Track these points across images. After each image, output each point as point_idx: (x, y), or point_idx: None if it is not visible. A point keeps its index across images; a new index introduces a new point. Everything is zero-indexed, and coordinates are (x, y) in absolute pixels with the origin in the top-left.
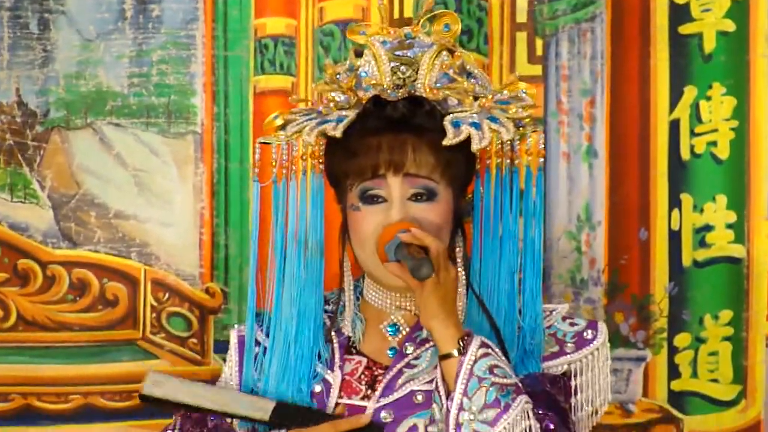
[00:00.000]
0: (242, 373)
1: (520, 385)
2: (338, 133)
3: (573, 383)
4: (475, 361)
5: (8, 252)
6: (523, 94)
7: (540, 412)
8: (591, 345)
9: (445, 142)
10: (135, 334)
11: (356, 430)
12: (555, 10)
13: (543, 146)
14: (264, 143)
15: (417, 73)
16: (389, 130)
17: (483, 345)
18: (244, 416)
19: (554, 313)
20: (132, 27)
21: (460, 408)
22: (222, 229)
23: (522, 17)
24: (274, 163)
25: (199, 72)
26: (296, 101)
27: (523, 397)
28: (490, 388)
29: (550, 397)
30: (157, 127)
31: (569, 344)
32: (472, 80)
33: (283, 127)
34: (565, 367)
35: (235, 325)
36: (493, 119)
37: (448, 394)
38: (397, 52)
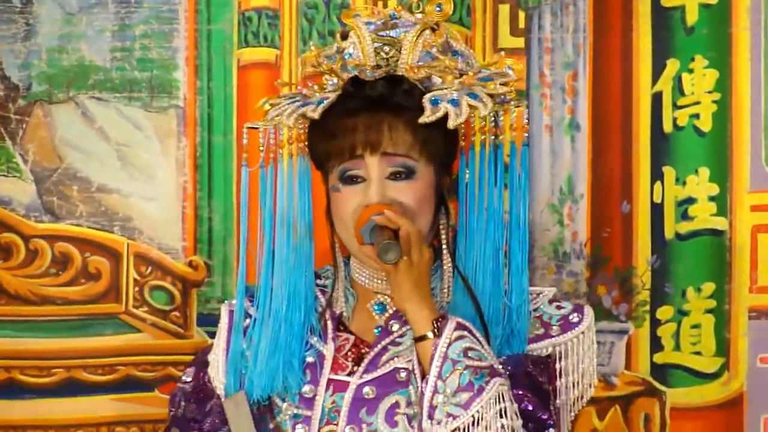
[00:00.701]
0: (229, 344)
1: (496, 367)
2: (316, 115)
3: (558, 366)
4: (450, 344)
5: None
6: (508, 70)
7: (519, 393)
8: (576, 328)
9: (421, 119)
10: (118, 307)
11: None
12: None
13: (527, 121)
14: (251, 128)
15: (400, 52)
16: (366, 110)
17: (458, 327)
18: None
19: (541, 296)
20: (114, 1)
21: (435, 390)
22: (205, 203)
23: None
24: (261, 148)
25: (182, 46)
26: (281, 85)
27: (498, 380)
28: (464, 371)
29: (532, 378)
30: (140, 102)
31: (555, 327)
32: (457, 57)
33: (272, 107)
34: (550, 349)
35: (226, 300)
36: (473, 95)
37: (423, 376)
38: (380, 33)
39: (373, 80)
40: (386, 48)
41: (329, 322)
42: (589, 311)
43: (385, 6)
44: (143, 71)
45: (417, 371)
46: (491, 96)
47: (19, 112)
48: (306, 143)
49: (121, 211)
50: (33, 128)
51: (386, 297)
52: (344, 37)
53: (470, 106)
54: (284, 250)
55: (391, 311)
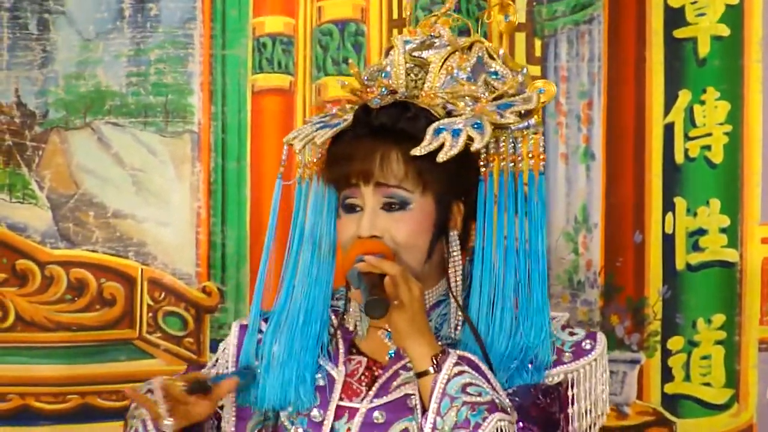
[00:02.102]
0: (239, 358)
1: (497, 401)
2: (318, 142)
3: (570, 393)
4: (449, 380)
5: (7, 252)
6: (533, 95)
7: (522, 425)
8: (589, 355)
9: (412, 152)
10: (132, 333)
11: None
12: (554, 11)
13: (543, 149)
14: (290, 144)
15: (427, 74)
16: (368, 137)
17: (459, 362)
18: None
19: (554, 321)
20: (130, 26)
21: (433, 427)
22: (219, 228)
23: (521, 18)
24: (299, 164)
25: (197, 71)
26: (320, 104)
27: (497, 415)
28: (462, 408)
29: (541, 409)
30: (155, 127)
31: (567, 354)
32: (496, 78)
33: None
34: (562, 376)
35: (237, 320)
36: (477, 125)
37: (424, 411)
38: (415, 53)
39: (379, 107)
40: (416, 70)
41: (341, 344)
42: (602, 338)
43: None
44: (158, 96)
45: (419, 406)
46: (499, 125)
47: (36, 139)
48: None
49: (136, 237)
50: (49, 155)
51: None
52: (388, 52)
53: (469, 136)
54: (308, 262)
55: None
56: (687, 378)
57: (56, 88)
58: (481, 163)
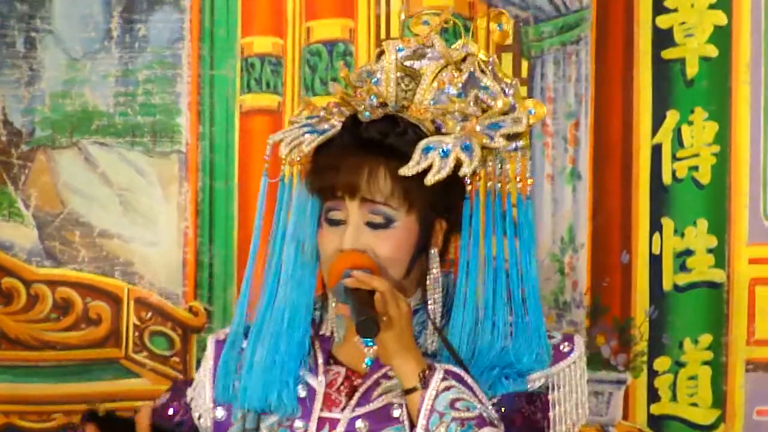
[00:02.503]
0: (216, 373)
1: (485, 415)
2: (305, 150)
3: (550, 397)
4: (437, 396)
5: None
6: (523, 116)
7: None
8: (568, 358)
9: (401, 171)
10: (118, 352)
11: None
12: (541, 32)
13: (530, 173)
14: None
15: (418, 86)
16: (355, 150)
17: (446, 377)
18: None
19: None
20: (118, 46)
21: None
22: (206, 248)
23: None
24: (283, 162)
25: (185, 91)
26: (307, 103)
27: (486, 430)
28: (451, 423)
29: (526, 417)
30: (142, 147)
31: (545, 352)
32: (486, 93)
33: (290, 125)
34: (543, 380)
35: (212, 335)
36: (466, 147)
37: (412, 427)
38: (407, 63)
39: (369, 120)
40: (407, 80)
41: (319, 354)
42: (579, 340)
43: None
44: (146, 116)
45: (406, 423)
46: (488, 148)
47: (22, 157)
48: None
49: (123, 256)
50: (36, 173)
51: None
52: (379, 56)
53: (458, 158)
54: (292, 264)
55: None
56: (674, 398)
57: (43, 107)
58: (467, 182)
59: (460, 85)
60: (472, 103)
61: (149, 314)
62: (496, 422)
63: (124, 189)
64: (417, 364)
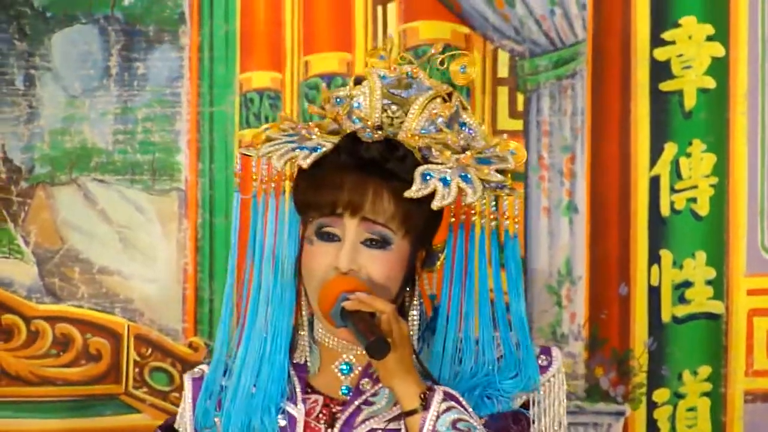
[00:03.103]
0: (195, 411)
1: None
2: (305, 165)
3: (531, 413)
4: (438, 417)
5: None
6: (508, 155)
7: None
8: (547, 372)
9: (407, 193)
10: (118, 388)
11: None
12: (536, 66)
13: (517, 212)
14: (245, 155)
15: (406, 115)
16: (356, 170)
17: (446, 398)
18: None
19: None
20: (117, 84)
21: None
22: (206, 284)
23: (504, 72)
24: (254, 177)
25: (184, 129)
26: (285, 119)
27: None
28: None
29: None
30: (142, 184)
31: (533, 378)
32: (465, 130)
33: (267, 140)
34: (524, 397)
35: (188, 372)
36: (465, 177)
37: None
38: (392, 90)
39: (370, 141)
40: (393, 107)
41: (296, 381)
42: (557, 352)
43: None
44: (145, 154)
45: None
46: (483, 181)
47: (22, 194)
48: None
49: (122, 293)
50: (35, 210)
51: (351, 357)
52: (358, 83)
53: (460, 188)
54: (271, 285)
55: (357, 371)
56: (673, 430)
57: (42, 144)
58: (452, 216)
59: (448, 116)
60: (470, 136)
61: (149, 350)
62: None
63: (124, 226)
64: (417, 386)
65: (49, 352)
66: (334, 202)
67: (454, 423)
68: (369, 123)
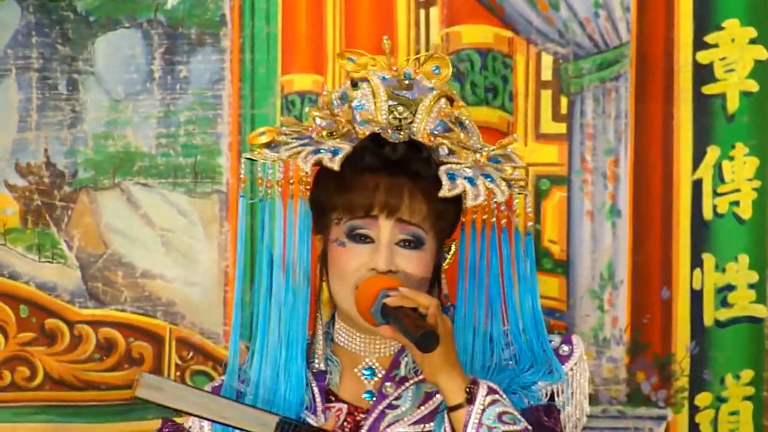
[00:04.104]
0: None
1: (529, 428)
2: (336, 167)
3: (557, 402)
4: (484, 410)
5: (36, 311)
6: (512, 153)
7: None
8: (569, 361)
9: (441, 193)
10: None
11: None
12: (580, 69)
13: (530, 210)
14: (250, 159)
15: (414, 116)
16: (386, 171)
17: (490, 392)
18: (248, 430)
19: None
20: (160, 87)
21: None
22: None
23: (547, 75)
24: (261, 181)
25: (225, 132)
26: (289, 124)
27: None
28: None
29: (547, 428)
30: (184, 187)
31: (557, 370)
32: (466, 132)
33: (268, 145)
34: (549, 389)
35: (210, 383)
36: (488, 176)
37: None
38: (396, 91)
39: (394, 142)
40: (400, 108)
41: (316, 391)
42: (577, 340)
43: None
44: (187, 157)
45: None
46: (505, 180)
47: (65, 198)
48: (308, 186)
49: (164, 296)
50: (78, 215)
51: (374, 360)
52: (354, 85)
53: (487, 188)
54: (283, 293)
55: (380, 374)
56: None
57: (85, 148)
58: (471, 215)
59: (455, 117)
60: (473, 137)
61: (191, 354)
62: None
63: (166, 229)
64: (462, 380)
65: (92, 357)
66: (370, 204)
67: (500, 416)
68: (381, 123)
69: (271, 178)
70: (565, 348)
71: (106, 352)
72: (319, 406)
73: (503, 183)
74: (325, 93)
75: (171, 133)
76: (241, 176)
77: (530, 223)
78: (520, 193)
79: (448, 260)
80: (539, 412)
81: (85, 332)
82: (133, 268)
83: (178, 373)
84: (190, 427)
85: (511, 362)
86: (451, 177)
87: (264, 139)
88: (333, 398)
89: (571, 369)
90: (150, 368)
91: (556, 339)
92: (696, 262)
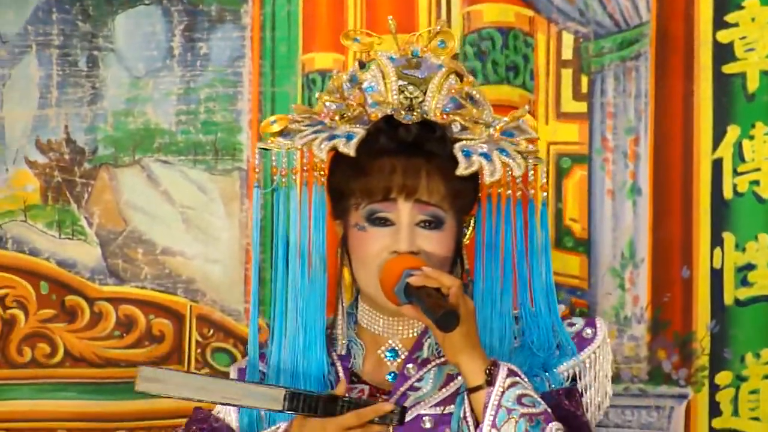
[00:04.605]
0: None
1: (549, 411)
2: (352, 152)
3: (579, 385)
4: (503, 392)
5: (56, 288)
6: (524, 125)
7: None
8: (592, 344)
9: (458, 171)
10: (180, 369)
11: (380, 417)
12: (601, 48)
13: (545, 180)
14: (264, 149)
15: (425, 94)
16: (402, 152)
17: (510, 374)
18: (256, 407)
19: None
20: (180, 64)
21: None
22: (268, 264)
23: (568, 54)
24: (275, 170)
25: (246, 109)
26: (301, 111)
27: (554, 425)
28: (519, 420)
29: (570, 414)
30: (204, 164)
31: (569, 347)
32: (477, 107)
33: (281, 133)
34: (571, 372)
35: (234, 363)
36: (503, 151)
37: (477, 425)
38: (405, 71)
39: (407, 123)
40: (410, 87)
41: (341, 371)
42: (601, 323)
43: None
44: (207, 134)
45: (470, 420)
46: (520, 153)
47: (85, 175)
48: (323, 173)
49: (185, 274)
50: (98, 191)
51: (397, 342)
52: (362, 66)
53: (503, 163)
54: (299, 281)
55: (403, 356)
56: (735, 413)
57: (105, 125)
58: (488, 190)
59: (466, 92)
60: (485, 111)
61: (211, 331)
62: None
63: (187, 206)
64: (483, 362)
65: (112, 334)
66: (388, 187)
67: (519, 398)
68: (392, 104)
69: (286, 167)
70: (588, 331)
71: (126, 330)
72: (343, 385)
73: (518, 156)
74: (334, 76)
75: (191, 110)
76: (256, 165)
77: (544, 194)
78: (535, 165)
79: (468, 235)
80: (560, 396)
81: (105, 309)
82: (153, 245)
83: (198, 351)
84: (218, 412)
85: (533, 341)
86: (467, 154)
87: (276, 128)
88: (356, 379)
89: (594, 352)
90: (171, 345)
91: (580, 321)
92: (716, 241)
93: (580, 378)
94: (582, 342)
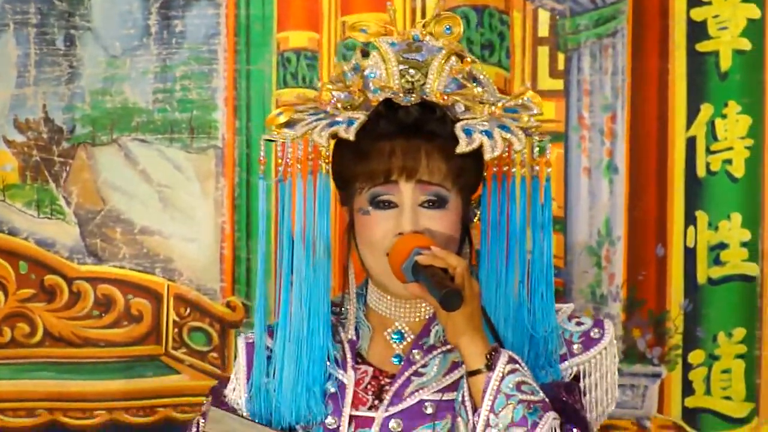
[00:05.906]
0: (250, 377)
1: (547, 400)
2: (351, 136)
3: (582, 384)
4: (503, 378)
5: (35, 268)
6: (529, 102)
7: (568, 426)
8: (599, 344)
9: (459, 150)
10: (158, 349)
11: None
12: (577, 25)
13: (549, 156)
14: (269, 140)
15: (426, 77)
16: (402, 135)
17: (511, 360)
18: None
19: (560, 312)
20: (156, 43)
21: (487, 424)
22: (243, 243)
23: (544, 31)
24: (279, 161)
25: (221, 86)
26: (303, 100)
27: (551, 414)
28: (518, 406)
29: (568, 406)
30: (181, 143)
31: (576, 345)
32: (480, 87)
33: (287, 124)
34: (575, 369)
35: (242, 333)
36: (504, 128)
37: (475, 409)
38: (405, 55)
39: (407, 105)
40: (411, 71)
41: (347, 349)
42: (609, 325)
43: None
44: (183, 112)
45: (468, 404)
46: (522, 129)
47: (63, 154)
48: (327, 161)
49: (162, 253)
50: (76, 171)
51: (404, 325)
52: (365, 54)
53: (504, 139)
54: (303, 268)
55: (409, 339)
56: (708, 392)
57: (83, 104)
58: (492, 168)
59: (467, 72)
60: (485, 91)
61: (188, 310)
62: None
63: (164, 185)
64: (484, 346)
65: (91, 313)
66: (389, 170)
67: (518, 385)
68: (393, 88)
69: (289, 156)
70: (596, 331)
71: (104, 309)
72: (349, 362)
73: (520, 132)
74: (337, 65)
75: (167, 88)
76: (261, 158)
77: (548, 169)
78: (541, 141)
79: (478, 216)
80: (559, 388)
81: (84, 289)
82: (131, 224)
83: (176, 330)
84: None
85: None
86: (468, 132)
87: (282, 119)
88: (360, 360)
89: (600, 353)
90: (149, 325)
91: (588, 321)
92: (690, 220)
93: (583, 377)
94: (589, 342)
